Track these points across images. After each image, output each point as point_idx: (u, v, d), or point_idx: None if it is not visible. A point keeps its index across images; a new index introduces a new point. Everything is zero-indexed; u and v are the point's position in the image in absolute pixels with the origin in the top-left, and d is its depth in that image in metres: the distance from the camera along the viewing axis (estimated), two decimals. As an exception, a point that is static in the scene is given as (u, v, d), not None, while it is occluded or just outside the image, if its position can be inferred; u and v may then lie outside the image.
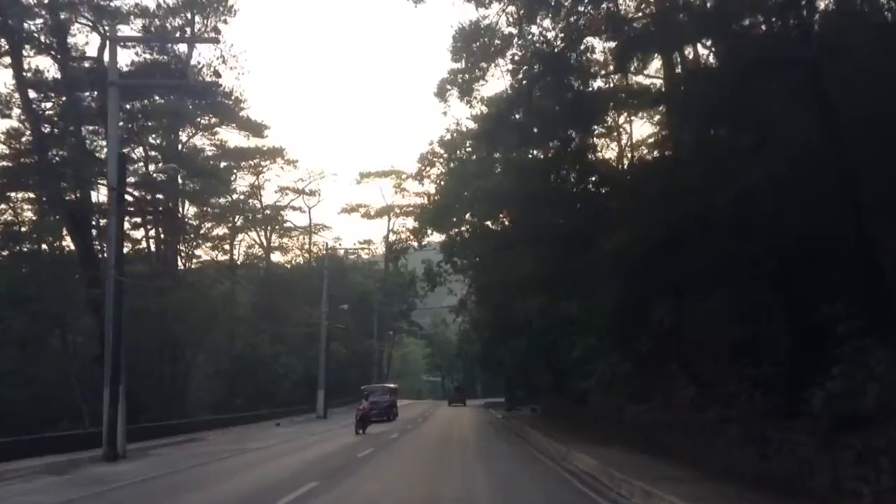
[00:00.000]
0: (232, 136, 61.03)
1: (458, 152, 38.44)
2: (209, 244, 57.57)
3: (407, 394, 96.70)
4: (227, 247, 63.32)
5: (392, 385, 48.13)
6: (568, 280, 22.75)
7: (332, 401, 59.47)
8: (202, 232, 55.88)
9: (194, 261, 55.66)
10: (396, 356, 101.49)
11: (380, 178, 75.96)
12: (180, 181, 55.85)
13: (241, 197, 65.85)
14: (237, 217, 59.89)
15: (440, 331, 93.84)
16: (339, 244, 63.62)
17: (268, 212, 68.30)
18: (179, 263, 54.23)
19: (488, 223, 39.50)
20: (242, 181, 67.38)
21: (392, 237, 79.37)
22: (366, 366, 75.42)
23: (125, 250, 26.12)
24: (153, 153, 54.00)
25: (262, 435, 32.21)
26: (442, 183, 40.09)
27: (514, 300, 39.57)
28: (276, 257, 72.55)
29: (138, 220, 52.06)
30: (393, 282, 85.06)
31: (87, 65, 37.84)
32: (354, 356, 69.68)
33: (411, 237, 56.77)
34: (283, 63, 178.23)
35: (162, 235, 51.91)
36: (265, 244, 68.47)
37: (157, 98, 52.01)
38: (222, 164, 62.82)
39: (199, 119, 54.59)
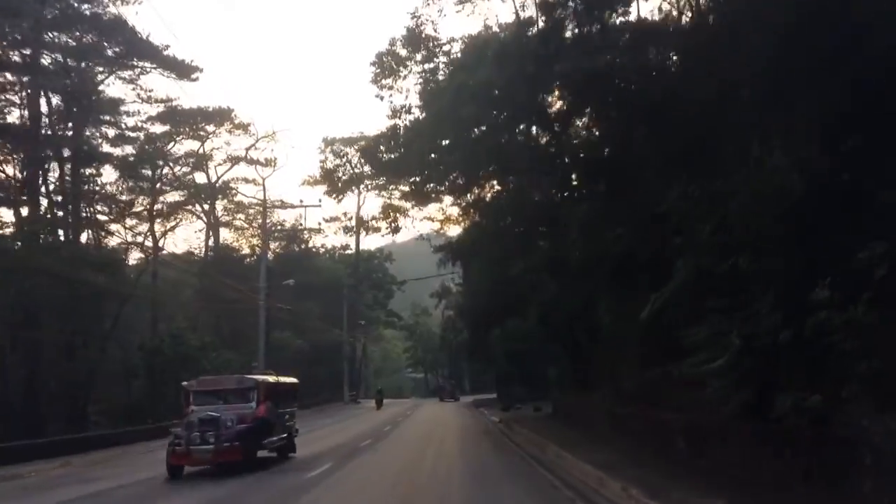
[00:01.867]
0: (156, 83, 47.29)
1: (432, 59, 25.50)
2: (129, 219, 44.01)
3: (389, 392, 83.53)
4: (160, 223, 50.16)
5: (268, 378, 18.78)
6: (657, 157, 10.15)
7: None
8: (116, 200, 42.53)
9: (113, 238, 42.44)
10: (376, 352, 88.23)
11: (347, 145, 62.61)
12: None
13: (183, 166, 53.13)
14: (159, 183, 46.39)
15: (422, 321, 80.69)
16: (283, 201, 49.86)
17: (216, 181, 54.94)
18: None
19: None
20: (181, 146, 54.49)
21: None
22: (335, 362, 62.22)
23: None
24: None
25: (123, 461, 19.34)
26: (408, 97, 27.01)
27: (515, 255, 26.91)
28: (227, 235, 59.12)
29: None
30: (366, 267, 72.17)
31: None
32: (319, 351, 56.55)
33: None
34: (243, 27, 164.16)
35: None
36: (210, 221, 54.95)
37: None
38: (158, 129, 49.96)
39: (106, 51, 41.48)
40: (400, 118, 24.83)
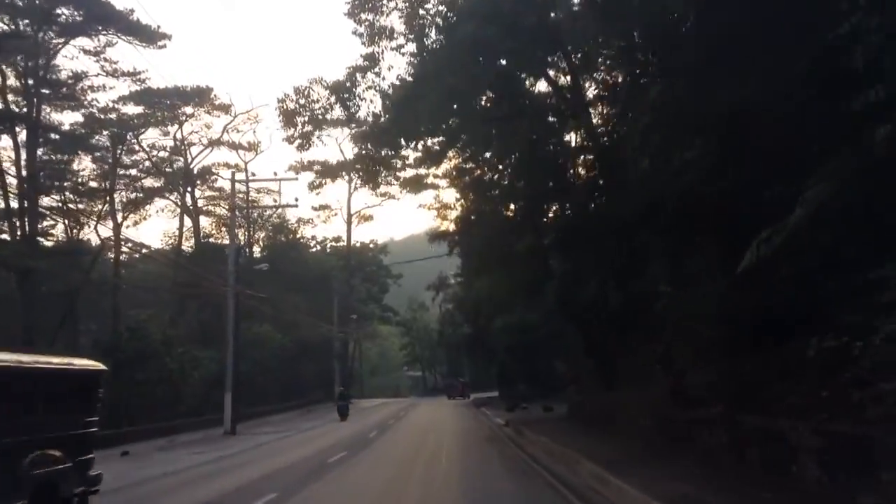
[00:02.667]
0: (122, 54, 41.77)
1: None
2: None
3: (386, 392, 78.36)
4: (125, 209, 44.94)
5: None
6: None
7: (260, 407, 40.96)
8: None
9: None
10: (372, 349, 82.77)
11: (335, 127, 57.36)
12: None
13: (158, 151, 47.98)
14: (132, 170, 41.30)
15: (419, 316, 75.34)
16: (254, 175, 44.31)
17: (189, 162, 49.68)
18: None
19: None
20: (155, 130, 49.34)
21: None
22: (326, 359, 56.92)
23: None
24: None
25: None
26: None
27: (522, 228, 21.99)
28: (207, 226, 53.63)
29: None
30: (358, 259, 66.97)
31: None
32: (308, 348, 51.27)
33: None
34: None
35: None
36: (186, 208, 49.60)
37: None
38: (131, 110, 44.77)
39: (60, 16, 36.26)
40: (379, 45, 19.55)
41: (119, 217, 40.01)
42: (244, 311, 43.39)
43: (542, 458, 15.25)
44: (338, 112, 19.30)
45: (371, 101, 19.51)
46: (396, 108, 19.68)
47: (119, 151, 38.44)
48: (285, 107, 19.52)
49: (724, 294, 10.56)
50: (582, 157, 23.10)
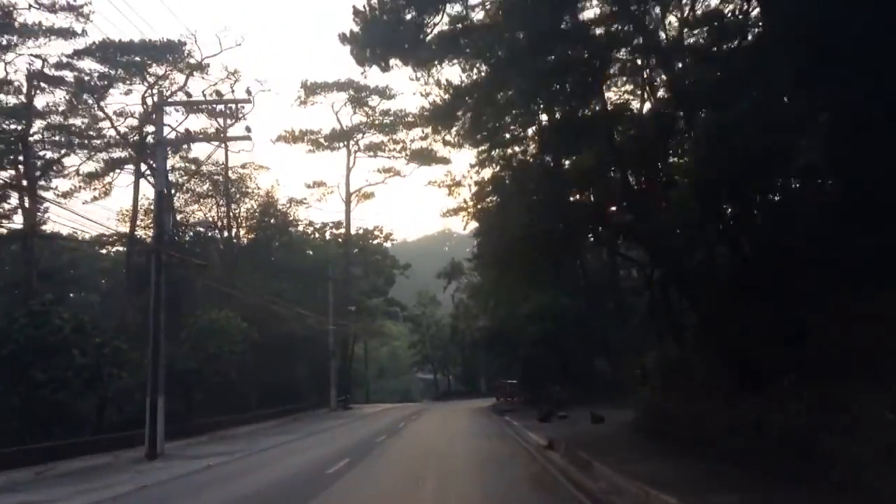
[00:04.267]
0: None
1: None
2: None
3: (394, 396, 68.96)
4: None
5: None
6: None
7: (225, 416, 31.28)
8: None
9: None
10: (377, 349, 73.21)
11: (331, 92, 48.32)
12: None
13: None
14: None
15: (429, 311, 65.69)
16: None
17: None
18: None
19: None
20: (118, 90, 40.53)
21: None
22: (323, 359, 47.45)
23: None
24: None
25: None
26: None
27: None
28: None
29: None
30: (361, 246, 57.57)
31: None
32: (298, 344, 41.98)
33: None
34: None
35: None
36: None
37: None
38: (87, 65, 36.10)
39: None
40: None
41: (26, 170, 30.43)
42: (213, 297, 34.48)
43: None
44: None
45: None
46: None
47: (34, 91, 29.30)
48: None
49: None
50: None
